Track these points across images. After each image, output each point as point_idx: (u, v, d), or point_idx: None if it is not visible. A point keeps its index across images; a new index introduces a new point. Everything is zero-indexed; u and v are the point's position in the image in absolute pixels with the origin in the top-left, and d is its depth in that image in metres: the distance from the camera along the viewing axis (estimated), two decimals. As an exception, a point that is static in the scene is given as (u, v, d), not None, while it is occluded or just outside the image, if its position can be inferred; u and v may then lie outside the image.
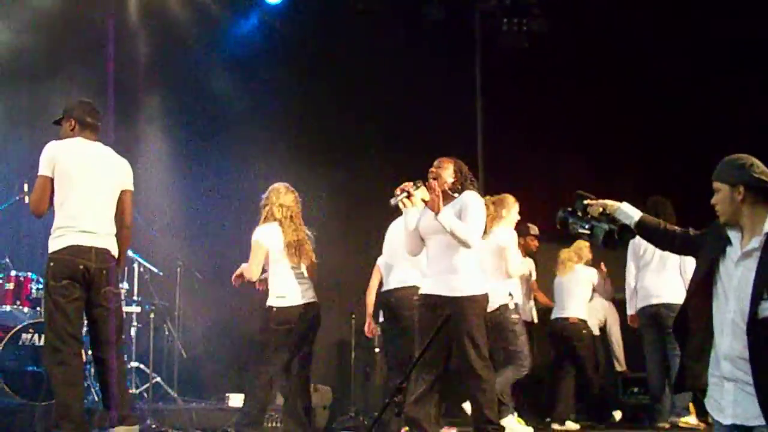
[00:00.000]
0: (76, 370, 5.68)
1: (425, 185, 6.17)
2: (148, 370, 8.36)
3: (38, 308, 8.28)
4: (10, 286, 8.29)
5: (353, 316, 10.26)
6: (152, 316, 7.98)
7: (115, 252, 5.84)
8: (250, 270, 6.94)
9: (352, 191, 10.88)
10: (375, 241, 7.80)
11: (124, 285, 8.74)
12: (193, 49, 10.74)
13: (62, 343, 5.60)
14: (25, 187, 8.57)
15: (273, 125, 10.65)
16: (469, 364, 5.96)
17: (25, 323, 7.92)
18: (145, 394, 8.56)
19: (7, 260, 8.49)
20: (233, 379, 10.18)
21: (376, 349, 9.74)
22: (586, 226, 5.02)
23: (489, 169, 11.46)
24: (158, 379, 8.43)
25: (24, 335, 7.84)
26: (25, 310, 8.28)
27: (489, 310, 7.82)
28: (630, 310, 8.78)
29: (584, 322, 9.13)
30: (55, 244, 5.70)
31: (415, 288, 6.65)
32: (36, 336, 7.81)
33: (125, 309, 8.72)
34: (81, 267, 5.62)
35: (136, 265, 8.85)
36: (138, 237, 8.84)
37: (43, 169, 5.73)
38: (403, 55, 10.85)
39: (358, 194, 10.80)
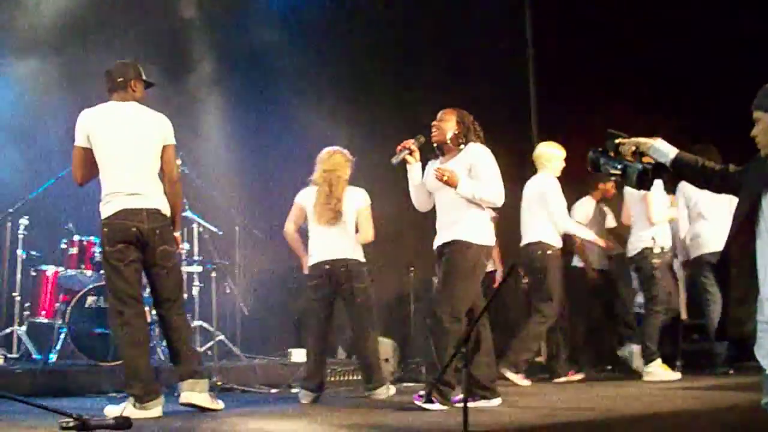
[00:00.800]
0: (139, 330, 5.74)
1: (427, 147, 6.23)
2: (211, 329, 8.48)
3: (102, 271, 8.44)
4: (74, 250, 8.48)
5: (412, 268, 10.30)
6: (213, 275, 8.07)
7: (166, 211, 5.84)
8: (286, 225, 7.25)
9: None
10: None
11: (185, 245, 8.86)
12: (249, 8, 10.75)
13: (124, 305, 5.66)
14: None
15: (334, 84, 10.67)
16: (437, 309, 5.95)
17: (90, 286, 8.11)
18: (209, 352, 8.69)
19: (70, 225, 8.66)
20: (294, 334, 10.32)
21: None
22: (618, 167, 4.68)
23: (542, 122, 11.44)
24: (221, 337, 8.55)
25: (89, 298, 8.05)
26: (89, 273, 8.47)
27: (631, 254, 8.27)
28: (680, 258, 8.89)
29: None
30: (105, 210, 5.75)
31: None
32: (101, 298, 8.00)
33: (187, 269, 8.86)
34: (134, 229, 5.66)
35: (195, 225, 8.95)
36: (197, 197, 8.97)
37: (77, 140, 5.79)
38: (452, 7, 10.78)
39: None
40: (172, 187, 5.92)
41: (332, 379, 8.24)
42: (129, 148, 5.77)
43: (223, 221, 9.29)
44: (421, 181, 6.27)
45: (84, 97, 9.99)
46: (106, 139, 5.74)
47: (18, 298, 8.49)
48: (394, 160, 6.19)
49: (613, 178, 4.85)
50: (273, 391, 7.74)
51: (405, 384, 8.25)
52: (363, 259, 7.16)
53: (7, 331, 8.36)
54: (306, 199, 7.18)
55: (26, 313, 8.50)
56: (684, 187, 8.51)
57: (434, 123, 6.26)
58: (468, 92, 10.37)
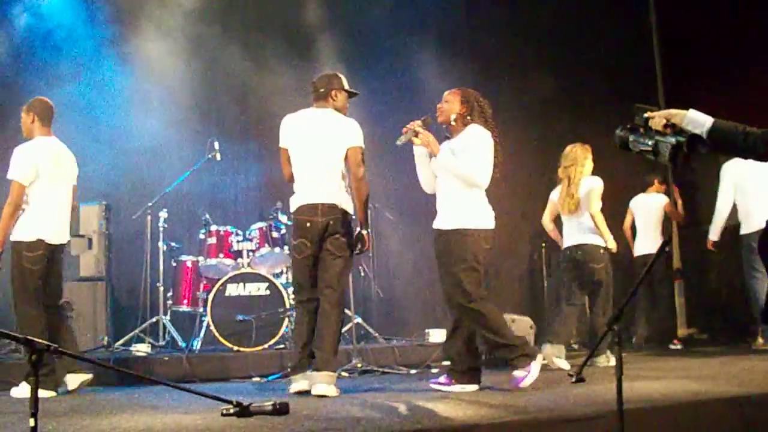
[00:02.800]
0: (303, 312, 6.28)
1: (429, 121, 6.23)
2: (349, 312, 8.55)
3: (239, 260, 8.62)
4: (212, 240, 8.68)
5: (544, 244, 10.21)
6: (349, 258, 8.11)
7: (343, 205, 6.30)
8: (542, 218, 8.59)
9: (539, 126, 10.91)
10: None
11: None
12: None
13: (295, 292, 6.41)
14: (216, 145, 8.92)
15: (460, 64, 10.65)
16: (452, 298, 6.08)
17: (230, 274, 8.27)
18: (347, 335, 8.77)
19: (207, 216, 8.86)
20: (431, 315, 10.34)
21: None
22: (649, 143, 4.11)
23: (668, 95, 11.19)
24: (359, 319, 8.61)
25: (229, 286, 8.21)
26: (228, 262, 8.65)
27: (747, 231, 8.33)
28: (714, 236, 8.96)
29: None
30: (292, 205, 6.41)
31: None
32: (241, 285, 8.16)
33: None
34: (308, 224, 6.21)
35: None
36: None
37: (280, 141, 6.50)
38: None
39: (540, 128, 10.90)
40: (357, 184, 6.31)
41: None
42: (313, 149, 6.33)
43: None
44: (428, 163, 6.33)
45: (217, 94, 10.41)
46: (296, 141, 6.41)
47: (161, 288, 8.76)
48: (399, 141, 6.23)
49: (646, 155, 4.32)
50: (412, 371, 7.76)
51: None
52: (599, 243, 7.98)
53: (153, 320, 8.63)
54: (556, 193, 8.32)
55: (169, 302, 8.76)
56: (729, 166, 8.76)
57: (439, 105, 6.32)
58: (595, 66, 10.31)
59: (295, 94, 10.13)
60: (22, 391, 6.41)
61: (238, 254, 8.67)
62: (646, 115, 4.22)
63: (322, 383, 5.93)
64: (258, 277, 8.28)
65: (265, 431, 4.27)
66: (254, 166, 10.59)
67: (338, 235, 6.21)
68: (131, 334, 8.59)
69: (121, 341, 8.59)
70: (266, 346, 8.03)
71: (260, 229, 8.73)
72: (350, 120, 6.47)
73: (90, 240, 9.11)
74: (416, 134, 6.17)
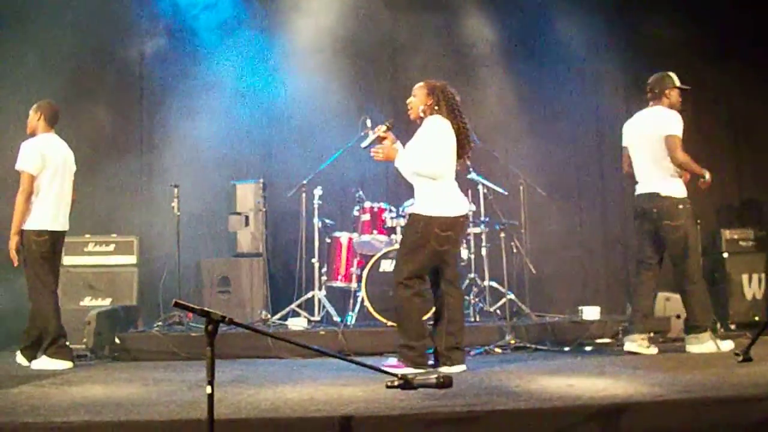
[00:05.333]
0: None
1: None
2: (502, 288, 8.54)
3: (393, 236, 8.70)
4: (366, 217, 8.80)
5: (699, 221, 9.96)
6: (502, 235, 8.12)
7: (666, 192, 7.14)
8: None
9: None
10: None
11: (471, 206, 8.98)
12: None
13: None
14: (368, 122, 9.01)
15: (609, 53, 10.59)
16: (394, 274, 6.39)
17: (384, 251, 8.37)
18: (499, 312, 8.76)
19: (361, 193, 8.98)
20: (584, 292, 10.23)
21: (725, 254, 9.45)
22: None
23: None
24: (511, 296, 8.59)
25: (383, 262, 8.31)
26: (381, 238, 8.74)
27: None
28: None
29: None
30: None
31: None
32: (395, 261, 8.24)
33: (474, 230, 8.98)
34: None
35: (480, 187, 9.02)
36: (480, 159, 9.06)
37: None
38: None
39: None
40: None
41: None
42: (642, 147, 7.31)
43: (507, 181, 9.31)
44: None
45: (369, 73, 10.56)
46: (631, 141, 7.48)
47: (316, 264, 8.94)
48: (363, 145, 6.66)
49: None
50: (566, 349, 7.70)
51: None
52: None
53: (309, 295, 8.81)
54: None
55: (324, 278, 8.92)
56: None
57: (408, 100, 6.52)
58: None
59: (447, 71, 10.24)
60: (41, 363, 7.04)
61: (392, 230, 8.75)
62: None
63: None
64: (412, 254, 8.31)
65: (427, 404, 4.33)
66: (404, 143, 10.65)
67: (667, 221, 7.09)
68: (287, 309, 8.80)
69: (277, 315, 8.82)
70: (421, 321, 8.09)
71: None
72: (666, 111, 7.17)
73: (247, 217, 9.38)
74: (381, 140, 6.51)
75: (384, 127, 6.57)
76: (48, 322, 7.11)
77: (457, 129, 6.30)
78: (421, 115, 6.40)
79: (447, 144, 6.22)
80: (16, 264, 7.10)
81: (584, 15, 10.35)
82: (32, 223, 7.14)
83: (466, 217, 6.44)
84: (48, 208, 7.24)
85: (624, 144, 7.52)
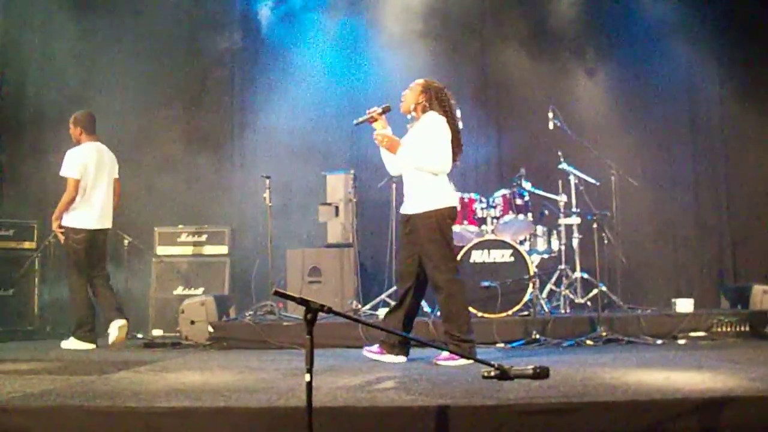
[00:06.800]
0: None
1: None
2: (593, 280, 8.45)
3: (483, 227, 8.68)
4: (457, 207, 8.76)
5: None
6: (594, 226, 8.02)
7: None
8: None
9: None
10: None
11: (562, 197, 8.91)
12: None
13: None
14: (457, 113, 9.01)
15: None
16: (430, 277, 6.34)
17: (475, 241, 8.35)
18: (590, 303, 8.67)
19: (451, 183, 8.94)
20: (677, 284, 10.07)
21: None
22: None
23: None
24: (603, 287, 8.48)
25: (474, 252, 8.28)
26: (471, 228, 8.73)
27: None
28: None
29: None
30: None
31: None
32: (485, 252, 8.22)
33: (565, 221, 8.90)
34: None
35: (572, 177, 8.94)
36: (572, 149, 8.99)
37: None
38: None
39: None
40: None
41: (718, 329, 7.99)
42: None
43: (599, 171, 9.20)
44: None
45: (455, 63, 10.54)
46: None
47: (407, 255, 8.93)
48: (355, 121, 6.76)
49: None
50: (658, 342, 7.58)
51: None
52: None
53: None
54: None
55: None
56: None
57: (404, 91, 6.60)
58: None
59: (533, 64, 10.19)
60: (69, 343, 8.11)
61: (482, 221, 8.73)
62: None
63: None
64: (502, 244, 8.28)
65: (521, 394, 4.31)
66: (493, 133, 10.64)
67: None
68: (378, 299, 8.85)
69: (368, 306, 8.87)
70: (510, 312, 8.05)
71: (504, 196, 8.74)
72: None
73: (337, 208, 9.45)
74: (374, 120, 6.59)
75: (380, 109, 6.63)
76: (79, 308, 8.20)
77: (451, 130, 6.41)
78: (412, 111, 6.53)
79: (447, 140, 6.34)
80: (62, 241, 8.25)
81: (681, 4, 10.21)
82: (72, 221, 8.21)
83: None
84: (88, 209, 8.26)
85: None
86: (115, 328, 8.03)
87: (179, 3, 10.35)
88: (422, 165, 6.33)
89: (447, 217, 6.36)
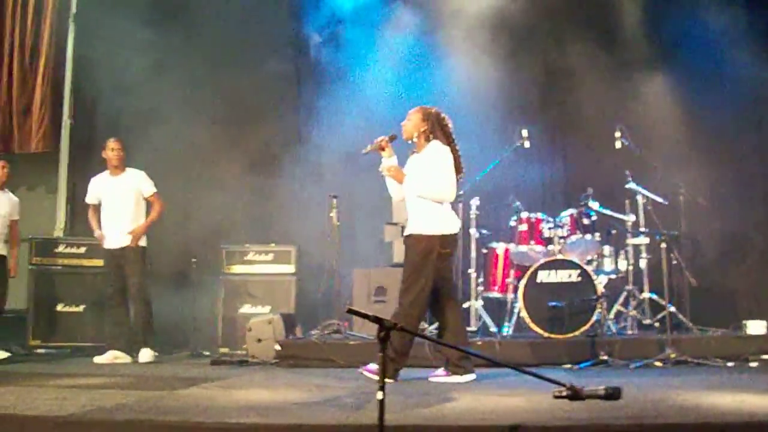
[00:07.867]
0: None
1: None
2: (662, 301, 8.34)
3: (550, 246, 8.64)
4: (524, 227, 8.79)
5: None
6: (663, 246, 7.92)
7: None
8: None
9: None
10: None
11: (630, 217, 8.83)
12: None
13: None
14: (524, 133, 9.01)
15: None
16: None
17: (541, 261, 8.30)
18: (658, 324, 8.56)
19: (517, 203, 8.95)
20: (748, 305, 9.88)
21: None
22: None
23: None
24: (672, 308, 8.37)
25: (540, 272, 8.24)
26: (538, 248, 8.70)
27: None
28: None
29: None
30: None
31: None
32: (552, 272, 8.18)
33: (633, 241, 8.82)
34: None
35: (639, 197, 8.86)
36: (640, 168, 8.92)
37: None
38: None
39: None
40: None
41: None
42: None
43: (667, 190, 9.09)
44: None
45: (522, 83, 10.52)
46: None
47: (473, 275, 8.96)
48: (363, 150, 6.85)
49: None
50: (729, 364, 7.45)
51: None
52: None
53: (466, 305, 8.80)
54: None
55: (480, 288, 8.92)
56: None
57: (402, 123, 6.73)
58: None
59: (599, 83, 10.12)
60: (103, 357, 8.49)
61: (549, 241, 8.69)
62: None
63: None
64: (569, 264, 8.24)
65: (593, 415, 4.27)
66: (560, 153, 10.60)
67: None
68: (443, 319, 8.82)
69: (434, 325, 8.80)
70: (578, 333, 7.98)
71: (571, 215, 8.71)
72: None
73: (403, 227, 9.43)
74: (382, 148, 6.73)
75: (387, 138, 6.78)
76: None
77: (453, 157, 6.56)
78: (415, 139, 6.65)
79: (452, 170, 6.49)
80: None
81: (749, 19, 10.07)
82: (144, 240, 8.81)
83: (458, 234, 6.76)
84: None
85: None
86: (146, 355, 8.63)
87: (247, 20, 10.47)
88: (426, 195, 6.50)
89: (439, 245, 6.46)
